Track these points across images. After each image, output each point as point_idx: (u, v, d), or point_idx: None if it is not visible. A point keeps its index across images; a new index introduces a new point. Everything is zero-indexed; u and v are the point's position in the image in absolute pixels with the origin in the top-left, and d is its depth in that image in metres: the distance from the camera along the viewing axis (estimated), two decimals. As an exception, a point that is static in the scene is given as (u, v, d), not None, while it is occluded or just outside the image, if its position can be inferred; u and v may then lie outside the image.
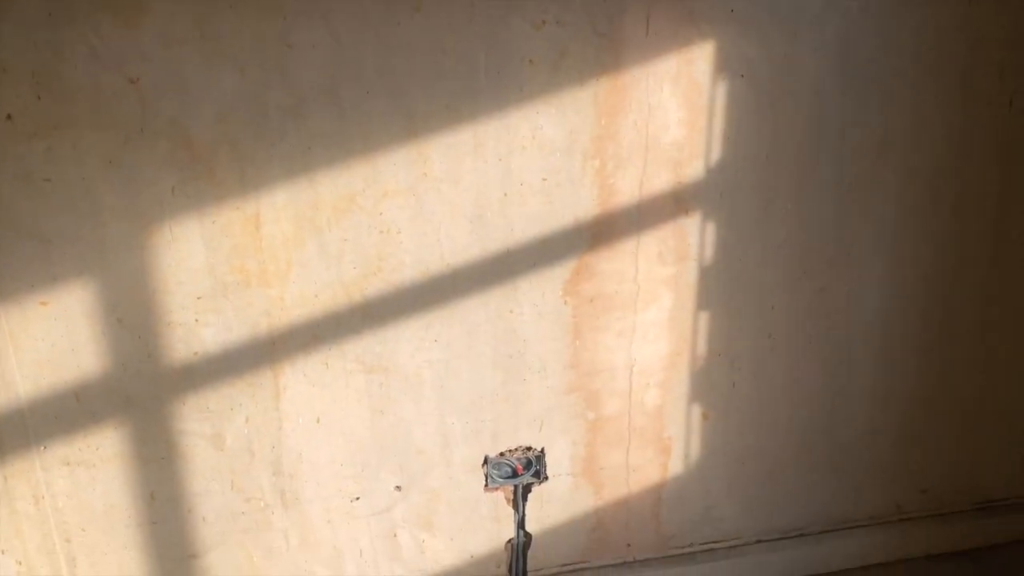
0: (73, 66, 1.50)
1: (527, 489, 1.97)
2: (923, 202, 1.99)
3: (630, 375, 1.95)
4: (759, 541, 2.18)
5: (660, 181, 1.82)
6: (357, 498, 1.88)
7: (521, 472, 1.95)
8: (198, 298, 1.67)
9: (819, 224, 1.94)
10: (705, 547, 2.14)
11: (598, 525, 2.05)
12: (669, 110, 1.77)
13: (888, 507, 2.26)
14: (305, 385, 1.78)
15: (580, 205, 1.79)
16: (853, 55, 1.84)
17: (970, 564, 2.29)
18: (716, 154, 1.83)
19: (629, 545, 2.10)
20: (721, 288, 1.93)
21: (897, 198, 1.97)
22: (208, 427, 1.75)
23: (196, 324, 1.69)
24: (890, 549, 2.28)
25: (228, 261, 1.67)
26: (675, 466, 2.05)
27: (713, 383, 2.00)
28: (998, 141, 1.98)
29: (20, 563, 1.76)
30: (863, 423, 2.15)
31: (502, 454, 1.93)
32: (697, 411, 2.02)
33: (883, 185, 1.95)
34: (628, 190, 1.81)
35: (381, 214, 1.70)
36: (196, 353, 1.70)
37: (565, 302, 1.86)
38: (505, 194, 1.75)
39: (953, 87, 1.92)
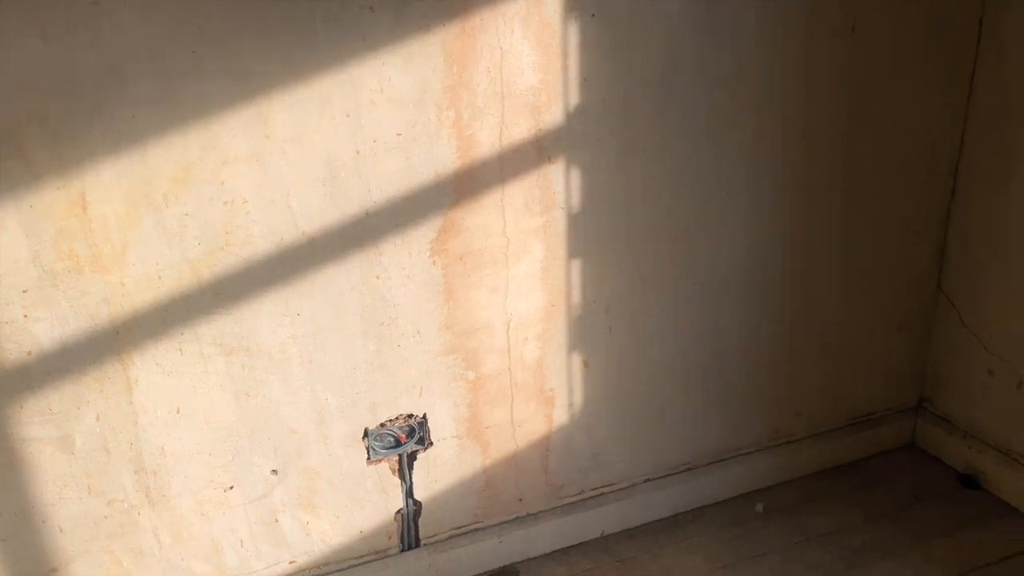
0: None
1: (412, 457, 1.92)
2: (779, 135, 2.02)
3: (507, 330, 1.91)
4: (647, 480, 2.22)
5: (520, 129, 1.76)
6: (231, 487, 1.78)
7: (404, 441, 1.90)
8: (24, 291, 1.51)
9: (682, 163, 1.94)
10: (596, 492, 2.16)
11: (488, 484, 2.02)
12: (522, 54, 1.71)
13: (768, 432, 2.34)
14: (159, 375, 1.65)
15: (439, 159, 1.72)
16: (702, -11, 1.83)
17: (848, 476, 2.41)
18: (574, 98, 1.78)
19: (520, 500, 2.08)
20: (590, 235, 1.91)
21: (755, 133, 1.99)
22: (53, 430, 1.61)
23: (25, 320, 1.53)
24: (775, 472, 2.37)
25: (55, 248, 1.51)
26: (560, 417, 2.04)
27: (590, 330, 1.99)
28: (843, 67, 2.03)
29: None
30: (738, 356, 2.20)
31: (383, 424, 1.87)
32: (577, 360, 2.01)
33: (741, 121, 1.96)
34: (488, 140, 1.75)
35: (223, 183, 1.57)
36: (29, 352, 1.55)
37: (434, 262, 1.79)
38: (358, 152, 1.65)
39: (801, 19, 1.93)
